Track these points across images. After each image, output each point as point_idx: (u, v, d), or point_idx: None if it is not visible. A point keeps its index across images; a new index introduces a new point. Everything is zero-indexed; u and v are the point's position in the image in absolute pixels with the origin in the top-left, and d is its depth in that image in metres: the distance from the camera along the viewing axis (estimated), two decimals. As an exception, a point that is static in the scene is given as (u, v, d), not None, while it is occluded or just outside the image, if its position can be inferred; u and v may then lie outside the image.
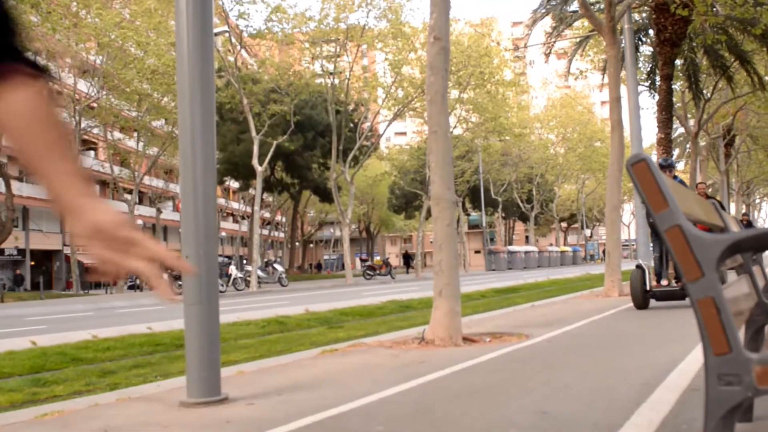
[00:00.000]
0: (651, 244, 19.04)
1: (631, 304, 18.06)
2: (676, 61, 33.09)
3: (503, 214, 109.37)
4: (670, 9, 29.28)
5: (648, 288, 16.10)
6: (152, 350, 15.86)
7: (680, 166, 70.09)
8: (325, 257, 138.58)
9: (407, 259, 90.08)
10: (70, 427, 6.51)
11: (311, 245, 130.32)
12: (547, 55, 37.38)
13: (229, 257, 78.59)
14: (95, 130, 65.52)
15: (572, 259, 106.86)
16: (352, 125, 65.28)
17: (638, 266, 16.32)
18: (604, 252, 39.92)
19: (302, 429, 5.82)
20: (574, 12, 34.42)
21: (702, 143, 54.14)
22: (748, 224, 23.38)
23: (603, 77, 37.89)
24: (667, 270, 15.98)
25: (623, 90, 25.86)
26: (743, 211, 27.40)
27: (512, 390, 6.95)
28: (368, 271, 66.79)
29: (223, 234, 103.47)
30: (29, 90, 1.88)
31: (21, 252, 70.83)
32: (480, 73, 59.63)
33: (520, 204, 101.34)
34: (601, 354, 9.14)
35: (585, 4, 23.13)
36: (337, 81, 58.96)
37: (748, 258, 4.62)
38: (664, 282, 15.86)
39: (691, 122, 46.82)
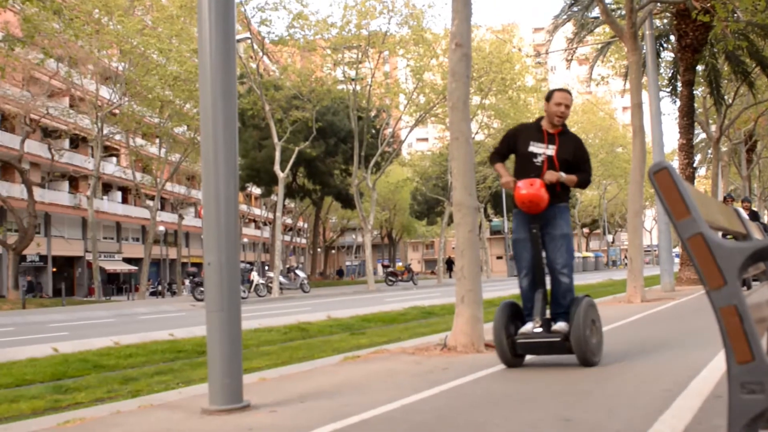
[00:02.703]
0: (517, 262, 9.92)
1: (657, 308, 17.98)
2: (697, 67, 33.02)
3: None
4: (691, 15, 29.24)
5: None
6: (174, 357, 15.89)
7: (702, 171, 69.92)
8: (347, 263, 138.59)
9: (450, 264, 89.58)
10: (92, 433, 6.54)
11: (333, 251, 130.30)
12: (569, 61, 37.35)
13: (251, 263, 78.90)
14: (117, 137, 65.66)
15: (594, 265, 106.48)
16: (373, 131, 65.22)
17: (505, 304, 9.46)
18: (626, 258, 39.77)
19: (324, 436, 5.83)
20: (596, 18, 34.37)
21: (723, 149, 53.95)
22: (753, 215, 23.03)
23: (624, 83, 37.83)
24: (540, 305, 8.97)
25: (645, 96, 25.79)
26: (742, 197, 26.89)
27: (535, 397, 6.94)
28: (390, 277, 66.67)
29: (245, 240, 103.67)
30: None
31: (43, 258, 71.03)
32: (501, 79, 59.53)
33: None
34: (623, 360, 9.11)
35: (606, 10, 23.09)
36: (358, 87, 58.88)
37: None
38: (529, 326, 8.95)
39: (713, 128, 46.68)
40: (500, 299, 30.94)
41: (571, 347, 8.64)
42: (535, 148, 9.20)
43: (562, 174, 9.02)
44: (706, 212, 3.23)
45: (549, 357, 9.48)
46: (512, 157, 9.69)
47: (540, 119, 9.51)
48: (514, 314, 9.25)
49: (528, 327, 8.94)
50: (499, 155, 9.67)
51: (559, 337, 8.71)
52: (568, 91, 9.40)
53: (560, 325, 8.75)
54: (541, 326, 8.85)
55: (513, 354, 9.11)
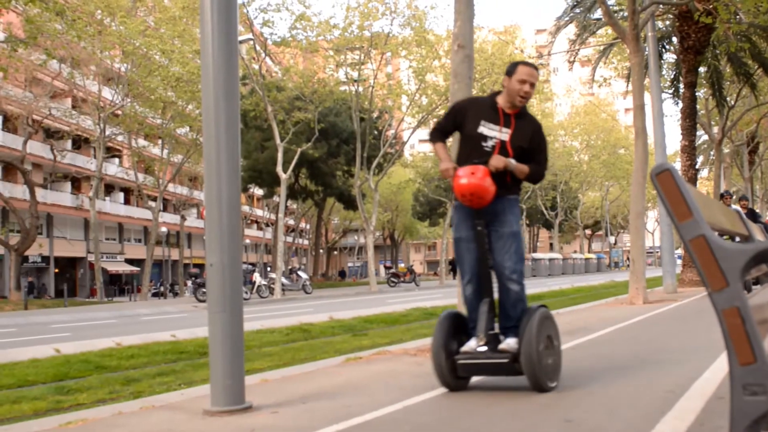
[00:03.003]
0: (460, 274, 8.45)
1: (659, 310, 17.96)
2: (699, 69, 33.03)
3: (527, 222, 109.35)
4: (693, 17, 29.24)
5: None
6: (176, 358, 15.92)
7: (704, 173, 69.92)
8: (349, 264, 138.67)
9: (453, 265, 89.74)
10: (94, 434, 6.55)
11: (335, 252, 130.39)
12: (571, 62, 37.35)
13: (254, 264, 78.89)
14: (120, 138, 65.78)
15: (596, 267, 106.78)
16: (376, 133, 65.30)
17: (447, 316, 7.96)
18: (628, 259, 39.77)
19: (326, 437, 5.84)
20: (598, 20, 34.36)
21: (726, 150, 53.93)
22: (750, 213, 22.92)
23: (627, 85, 37.85)
24: (486, 318, 7.53)
25: (647, 97, 25.81)
26: (740, 195, 26.75)
27: (536, 398, 6.94)
28: (392, 279, 66.81)
29: (248, 241, 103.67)
30: None
31: (45, 259, 71.06)
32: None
33: (545, 211, 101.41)
34: (625, 362, 9.10)
35: (609, 12, 23.08)
36: (361, 89, 58.95)
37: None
38: (472, 343, 7.56)
39: (715, 129, 46.66)
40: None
41: (522, 368, 7.19)
42: (486, 129, 7.65)
43: (512, 161, 7.53)
44: (709, 214, 3.23)
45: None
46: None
47: (495, 94, 7.90)
48: (458, 328, 7.78)
49: (471, 345, 7.50)
50: (440, 132, 8.19)
51: (507, 357, 7.30)
52: (535, 67, 7.78)
53: (509, 343, 7.38)
54: (486, 344, 7.43)
55: (454, 376, 7.64)
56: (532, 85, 7.63)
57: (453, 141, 9.24)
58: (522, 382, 7.39)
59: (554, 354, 7.58)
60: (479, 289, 7.65)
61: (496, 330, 7.64)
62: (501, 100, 7.75)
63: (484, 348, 7.42)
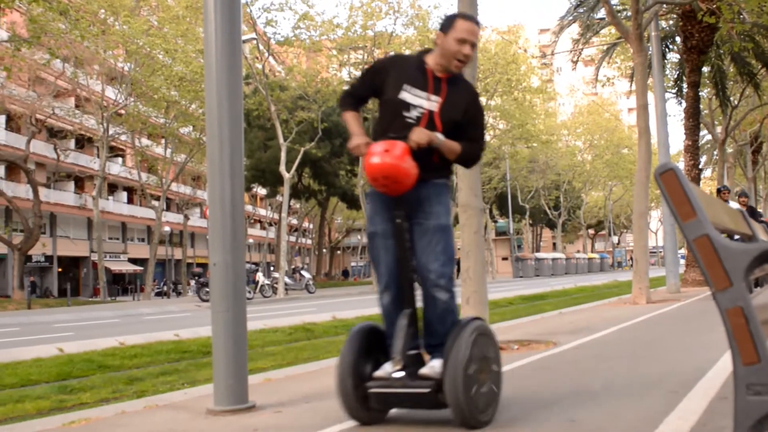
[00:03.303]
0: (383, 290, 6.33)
1: (662, 310, 17.93)
2: (703, 69, 32.98)
3: (530, 221, 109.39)
4: (696, 16, 29.25)
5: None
6: (179, 357, 15.91)
7: (707, 173, 69.88)
8: (353, 264, 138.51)
9: (456, 265, 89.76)
10: (97, 434, 6.55)
11: (338, 252, 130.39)
12: (575, 62, 37.32)
13: (257, 264, 78.92)
14: (123, 137, 65.85)
15: (599, 266, 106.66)
16: (379, 132, 65.26)
17: (359, 330, 6.21)
18: (631, 259, 39.75)
19: (329, 437, 5.83)
20: (601, 19, 34.38)
21: (729, 150, 53.87)
22: (750, 210, 22.74)
23: (630, 84, 37.90)
24: (404, 334, 5.85)
25: (650, 97, 25.77)
26: (739, 192, 26.49)
27: (540, 398, 6.92)
28: (395, 279, 66.68)
29: (251, 241, 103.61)
30: None
31: (48, 258, 71.09)
32: (507, 80, 59.70)
33: (548, 211, 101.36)
34: (629, 362, 9.10)
35: (612, 11, 23.07)
36: (364, 88, 58.92)
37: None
38: (388, 367, 5.92)
39: (718, 129, 46.59)
40: (506, 300, 30.93)
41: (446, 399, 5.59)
42: (410, 95, 5.94)
43: (439, 136, 5.86)
44: (712, 214, 3.23)
45: (558, 360, 9.35)
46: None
47: (424, 53, 6.18)
48: (374, 345, 6.05)
49: (386, 369, 5.82)
50: (352, 98, 6.35)
51: (429, 386, 5.64)
52: (476, 21, 6.08)
53: (432, 366, 5.74)
54: (404, 368, 5.74)
55: (365, 407, 5.95)
56: (473, 45, 5.98)
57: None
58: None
59: (491, 381, 5.91)
60: (399, 298, 5.95)
61: (421, 349, 5.97)
62: (431, 61, 6.06)
63: (401, 373, 5.75)
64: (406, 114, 5.89)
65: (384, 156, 5.61)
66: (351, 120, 6.15)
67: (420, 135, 5.69)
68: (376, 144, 5.74)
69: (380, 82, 6.06)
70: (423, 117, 5.86)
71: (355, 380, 5.80)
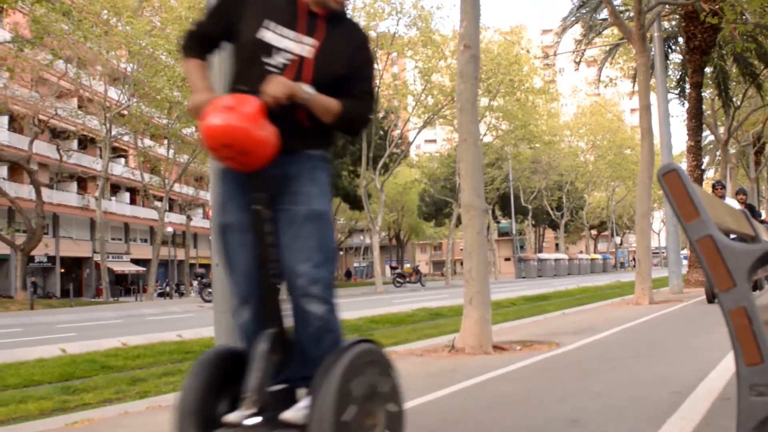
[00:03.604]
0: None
1: (665, 311, 17.91)
2: (705, 69, 32.98)
3: (533, 222, 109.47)
4: (699, 17, 29.24)
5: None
6: (182, 358, 15.90)
7: (710, 173, 69.88)
8: (355, 265, 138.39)
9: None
10: (100, 434, 6.55)
11: (341, 253, 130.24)
12: (577, 62, 37.31)
13: (259, 265, 78.62)
14: (126, 138, 65.70)
15: (602, 267, 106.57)
16: (382, 133, 65.26)
17: (213, 356, 4.19)
18: (634, 260, 39.76)
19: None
20: (604, 20, 34.37)
21: (732, 151, 53.95)
22: (749, 208, 22.60)
23: (633, 85, 37.82)
24: (263, 364, 3.97)
25: (653, 98, 25.78)
26: (737, 189, 26.25)
27: (543, 399, 6.92)
28: (398, 279, 66.73)
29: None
30: None
31: (51, 259, 71.04)
32: (510, 80, 59.69)
33: (550, 211, 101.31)
34: (632, 362, 9.09)
35: (615, 12, 23.08)
36: (366, 88, 58.92)
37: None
38: (237, 415, 3.88)
39: (721, 130, 46.65)
40: (508, 301, 30.88)
41: None
42: (274, 35, 4.17)
43: (308, 89, 4.08)
44: (715, 214, 3.22)
45: (561, 361, 9.32)
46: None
47: None
48: (231, 376, 4.12)
49: (239, 413, 3.94)
50: (198, 39, 4.53)
51: None
52: None
53: (300, 409, 4.03)
54: (261, 411, 3.92)
55: None
56: None
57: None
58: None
59: (385, 426, 4.11)
60: (260, 313, 4.21)
61: (288, 383, 4.21)
62: None
63: (256, 419, 3.91)
64: (266, 60, 4.16)
65: (226, 115, 3.84)
66: (193, 70, 4.43)
67: (277, 86, 3.95)
68: (217, 99, 4.01)
69: (235, 17, 4.31)
70: (291, 65, 4.15)
71: (197, 427, 3.93)
